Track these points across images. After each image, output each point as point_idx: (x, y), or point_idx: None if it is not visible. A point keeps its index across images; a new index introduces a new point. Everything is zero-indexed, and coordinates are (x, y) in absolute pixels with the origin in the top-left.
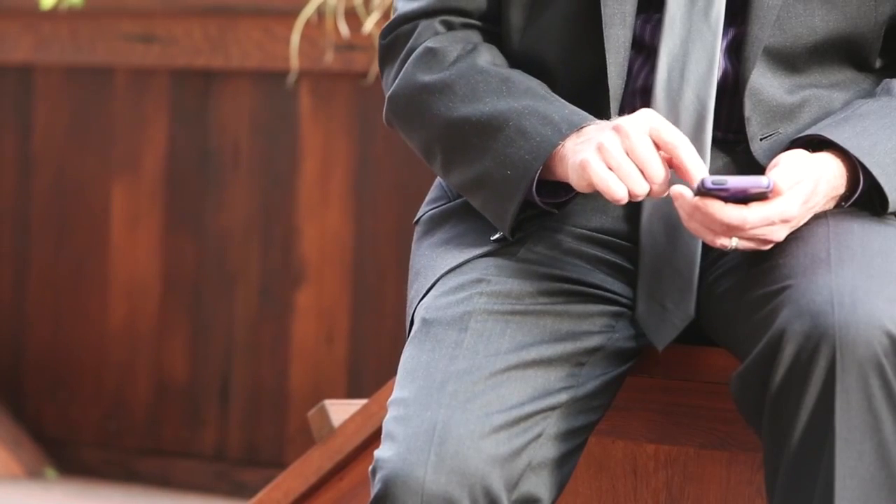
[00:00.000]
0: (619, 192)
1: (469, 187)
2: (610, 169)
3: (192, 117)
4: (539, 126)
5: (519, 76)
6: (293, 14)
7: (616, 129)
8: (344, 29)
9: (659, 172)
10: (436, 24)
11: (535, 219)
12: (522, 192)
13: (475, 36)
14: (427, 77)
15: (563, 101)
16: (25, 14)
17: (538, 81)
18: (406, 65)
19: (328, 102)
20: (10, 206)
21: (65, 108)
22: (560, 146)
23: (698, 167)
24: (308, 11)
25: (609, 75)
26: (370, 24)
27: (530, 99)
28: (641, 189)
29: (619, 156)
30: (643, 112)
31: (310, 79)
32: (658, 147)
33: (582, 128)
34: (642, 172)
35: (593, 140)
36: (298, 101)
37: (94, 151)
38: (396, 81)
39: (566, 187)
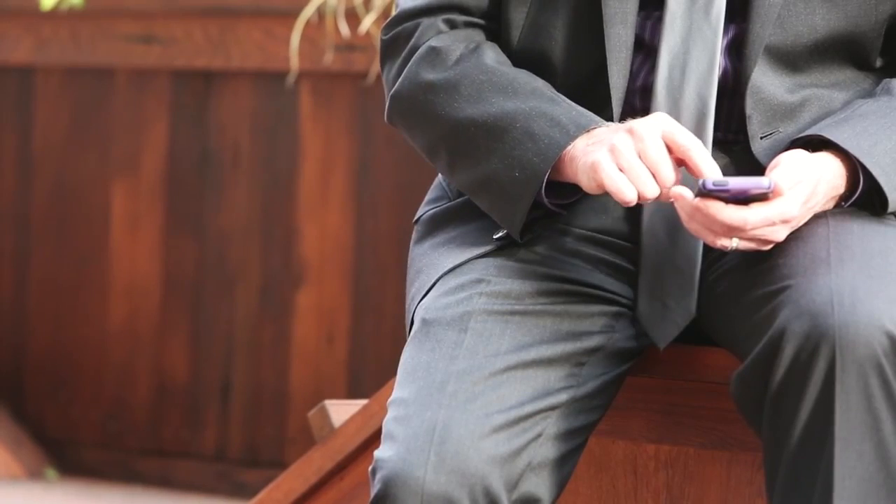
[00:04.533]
0: (628, 194)
1: (475, 188)
2: (621, 171)
3: (192, 118)
4: (547, 128)
5: (525, 76)
6: (293, 14)
7: (629, 132)
8: (344, 29)
9: (670, 176)
10: (438, 22)
11: (542, 219)
12: (531, 195)
13: (478, 35)
14: (431, 76)
15: (570, 102)
16: (26, 15)
17: (543, 82)
18: (409, 63)
19: (328, 103)
20: (10, 206)
21: (65, 109)
22: (568, 148)
23: (712, 169)
24: (308, 12)
25: (610, 75)
26: (368, 23)
27: (537, 100)
28: (652, 192)
29: (630, 157)
30: (656, 115)
31: (310, 79)
32: (671, 150)
33: (591, 129)
34: (654, 176)
35: (605, 141)
36: (298, 101)
37: (94, 152)
38: (399, 80)
39: (572, 188)
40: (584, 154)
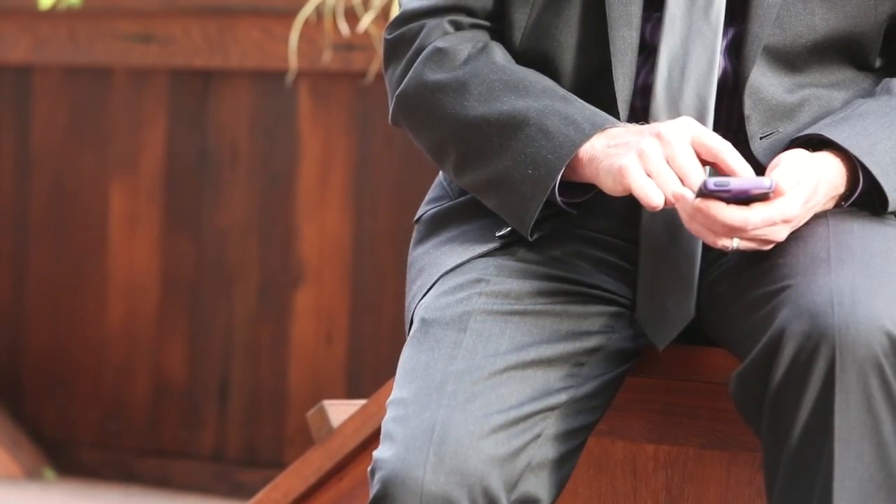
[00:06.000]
0: (656, 199)
1: (485, 187)
2: (649, 175)
3: (190, 117)
4: (561, 126)
5: (534, 76)
6: (292, 14)
7: (658, 136)
8: (343, 28)
9: (699, 181)
10: (444, 23)
11: (552, 219)
12: (544, 192)
13: (484, 36)
14: (439, 76)
15: (582, 101)
16: (24, 14)
17: (553, 82)
18: (415, 64)
19: (327, 102)
20: (8, 206)
21: (63, 108)
22: (585, 147)
23: (745, 170)
24: (307, 11)
25: (615, 78)
26: (367, 22)
27: (549, 98)
28: None
29: (659, 163)
30: (684, 119)
31: (308, 78)
32: (699, 153)
33: (606, 129)
34: (682, 181)
35: (632, 145)
36: (297, 100)
37: (92, 151)
38: (405, 81)
39: (583, 187)
40: (606, 156)
